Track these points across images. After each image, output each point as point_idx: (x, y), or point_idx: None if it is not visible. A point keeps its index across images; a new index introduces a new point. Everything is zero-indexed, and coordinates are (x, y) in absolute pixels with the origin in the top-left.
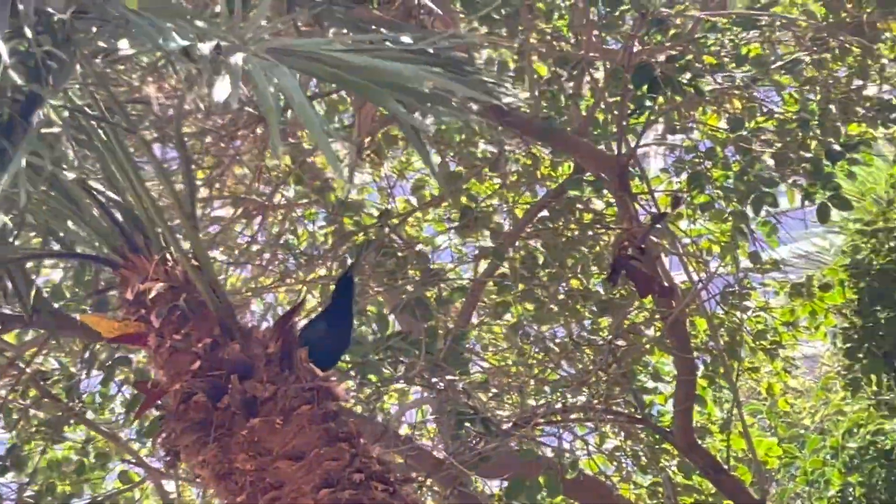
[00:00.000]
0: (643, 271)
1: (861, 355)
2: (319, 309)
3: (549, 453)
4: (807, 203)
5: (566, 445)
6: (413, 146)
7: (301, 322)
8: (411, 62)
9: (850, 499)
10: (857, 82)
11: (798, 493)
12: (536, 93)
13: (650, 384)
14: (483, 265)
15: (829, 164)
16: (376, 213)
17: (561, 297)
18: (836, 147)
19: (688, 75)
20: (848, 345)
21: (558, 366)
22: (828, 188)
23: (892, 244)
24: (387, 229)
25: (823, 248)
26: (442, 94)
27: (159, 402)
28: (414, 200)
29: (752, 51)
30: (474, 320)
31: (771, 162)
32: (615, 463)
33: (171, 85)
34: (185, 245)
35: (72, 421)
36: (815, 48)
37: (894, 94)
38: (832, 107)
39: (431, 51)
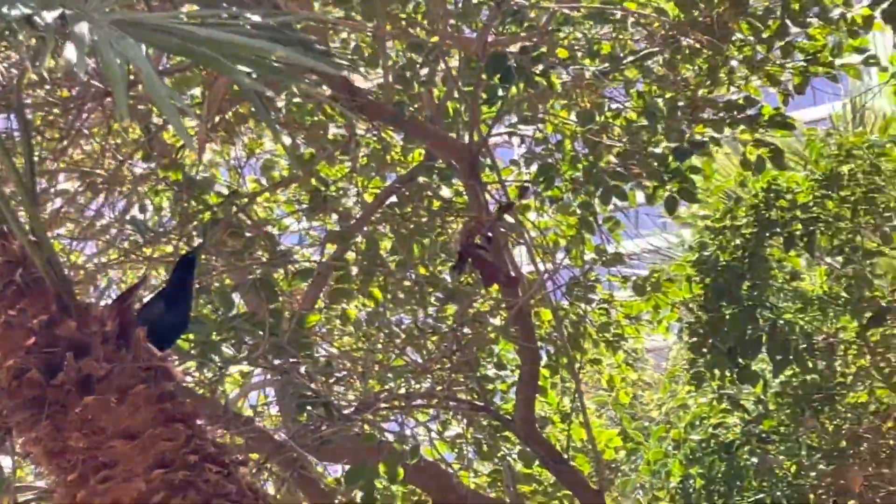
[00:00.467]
0: (489, 260)
1: (705, 350)
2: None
3: (390, 439)
4: (658, 199)
5: (408, 432)
6: (261, 119)
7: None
8: (261, 38)
9: (691, 490)
10: (706, 83)
11: (641, 484)
12: (390, 78)
13: (493, 373)
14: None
15: (677, 162)
16: (226, 192)
17: (407, 283)
18: (684, 145)
19: (540, 67)
20: (693, 339)
21: (403, 352)
22: (675, 181)
23: (738, 241)
24: (235, 209)
25: (675, 244)
26: (292, 68)
27: None
28: (264, 181)
29: (603, 47)
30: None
31: (615, 160)
32: (456, 450)
33: (18, 54)
34: (24, 219)
35: None
36: (666, 47)
37: (742, 95)
38: (680, 104)
39: (283, 30)
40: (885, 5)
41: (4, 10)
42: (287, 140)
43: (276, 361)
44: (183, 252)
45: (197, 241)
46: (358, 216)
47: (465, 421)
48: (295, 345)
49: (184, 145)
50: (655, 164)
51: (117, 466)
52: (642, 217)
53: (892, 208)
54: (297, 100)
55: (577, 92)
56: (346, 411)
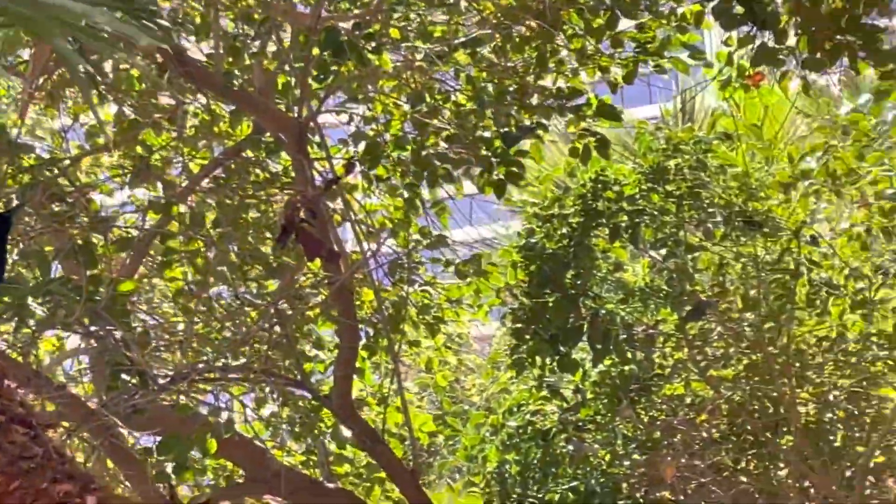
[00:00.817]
0: (313, 234)
1: (528, 336)
2: None
3: (204, 411)
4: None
5: (223, 405)
6: (76, 82)
7: None
8: (84, 3)
9: (506, 476)
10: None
11: (458, 468)
12: (221, 48)
13: (312, 352)
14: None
15: (505, 147)
16: (47, 156)
17: (231, 256)
18: (512, 130)
19: (373, 45)
20: (516, 325)
21: (223, 326)
22: (502, 166)
23: (564, 230)
24: (56, 172)
25: (503, 235)
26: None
27: None
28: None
29: (436, 30)
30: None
31: (444, 144)
32: (271, 428)
33: None
34: None
35: None
36: (497, 32)
37: (569, 86)
38: (510, 89)
39: None
40: (714, 2)
41: None
42: (114, 107)
43: (92, 328)
44: None
45: (15, 203)
46: (183, 186)
47: (280, 399)
48: (112, 312)
49: None
50: (483, 148)
51: None
52: (474, 207)
53: (715, 204)
54: (124, 66)
55: (407, 73)
56: (161, 381)
